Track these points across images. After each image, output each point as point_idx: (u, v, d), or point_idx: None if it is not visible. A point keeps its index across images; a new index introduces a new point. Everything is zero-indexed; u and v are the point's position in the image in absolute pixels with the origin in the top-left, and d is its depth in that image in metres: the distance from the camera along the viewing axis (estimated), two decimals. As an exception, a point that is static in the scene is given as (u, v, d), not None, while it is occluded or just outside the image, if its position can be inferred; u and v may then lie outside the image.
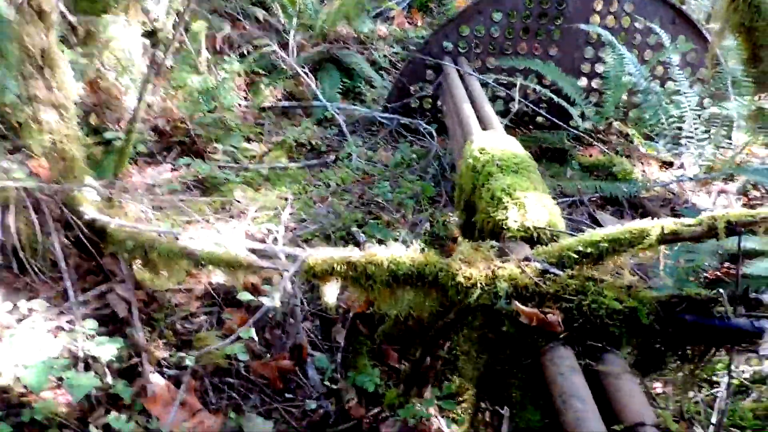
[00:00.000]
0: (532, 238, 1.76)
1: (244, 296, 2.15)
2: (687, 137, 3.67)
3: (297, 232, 2.82)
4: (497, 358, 1.49)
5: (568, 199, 3.41)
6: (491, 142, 2.34)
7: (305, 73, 4.37)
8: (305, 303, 2.43)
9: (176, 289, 2.36)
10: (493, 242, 1.63)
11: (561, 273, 1.45)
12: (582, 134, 4.01)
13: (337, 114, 4.11)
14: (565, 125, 3.99)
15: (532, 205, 1.84)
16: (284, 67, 4.41)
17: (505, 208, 1.86)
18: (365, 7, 5.04)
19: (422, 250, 1.68)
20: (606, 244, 1.45)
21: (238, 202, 3.03)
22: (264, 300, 2.17)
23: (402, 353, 2.34)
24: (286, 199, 3.09)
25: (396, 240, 2.71)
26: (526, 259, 1.51)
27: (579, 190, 3.41)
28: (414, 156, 3.71)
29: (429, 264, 1.61)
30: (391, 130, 4.08)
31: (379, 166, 3.60)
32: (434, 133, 3.80)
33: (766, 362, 2.15)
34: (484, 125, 2.81)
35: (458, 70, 3.80)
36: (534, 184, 2.02)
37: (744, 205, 3.55)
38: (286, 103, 4.30)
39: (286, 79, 4.43)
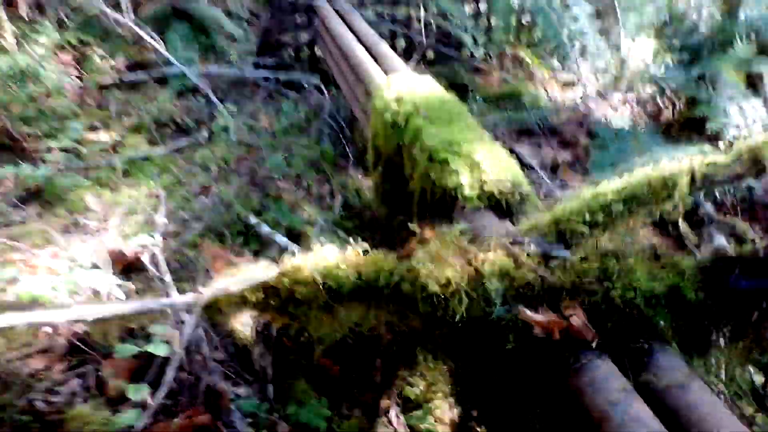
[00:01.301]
0: (499, 206, 1.36)
1: (124, 350, 1.57)
2: (585, 52, 3.46)
3: (182, 237, 2.22)
4: (501, 388, 1.10)
5: (481, 138, 3.08)
6: (406, 86, 1.88)
7: (149, 35, 3.57)
8: (210, 330, 1.89)
9: (25, 354, 1.71)
10: (464, 225, 1.20)
11: (568, 254, 1.06)
12: (478, 65, 3.67)
13: (200, 80, 3.41)
14: (459, 57, 3.62)
15: (488, 163, 1.43)
16: (120, 31, 3.58)
17: (455, 170, 1.44)
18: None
19: (365, 251, 1.23)
20: (619, 206, 1.08)
21: (93, 211, 2.34)
22: (152, 349, 1.61)
23: (346, 363, 1.91)
24: (157, 197, 2.45)
25: (309, 224, 2.22)
26: (515, 241, 1.10)
27: (494, 125, 3.08)
28: (302, 116, 3.16)
29: (383, 271, 1.16)
30: (269, 91, 3.47)
31: (265, 134, 3.02)
32: (321, 86, 3.26)
33: None
34: (384, 67, 2.34)
35: (335, 8, 3.25)
36: (477, 133, 1.61)
37: (650, 114, 3.44)
38: (132, 76, 3.51)
39: (127, 46, 3.61)
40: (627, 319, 0.99)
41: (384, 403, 1.79)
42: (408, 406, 1.76)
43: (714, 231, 2.30)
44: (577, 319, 0.98)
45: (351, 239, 1.26)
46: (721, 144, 2.90)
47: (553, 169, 2.97)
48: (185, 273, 2.05)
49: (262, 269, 1.23)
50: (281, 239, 2.09)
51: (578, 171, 2.98)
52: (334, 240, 2.15)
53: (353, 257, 1.20)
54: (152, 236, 2.06)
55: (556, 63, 3.73)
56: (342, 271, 1.18)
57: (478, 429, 1.36)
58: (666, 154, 2.52)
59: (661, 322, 1.00)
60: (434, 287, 1.06)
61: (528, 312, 0.98)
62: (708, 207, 2.48)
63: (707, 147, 2.63)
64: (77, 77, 3.27)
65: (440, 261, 1.10)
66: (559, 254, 1.06)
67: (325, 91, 3.23)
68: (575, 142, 3.16)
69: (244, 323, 1.91)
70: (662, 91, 3.19)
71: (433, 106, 1.74)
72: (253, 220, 2.26)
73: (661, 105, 3.34)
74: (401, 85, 1.89)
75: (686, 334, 1.02)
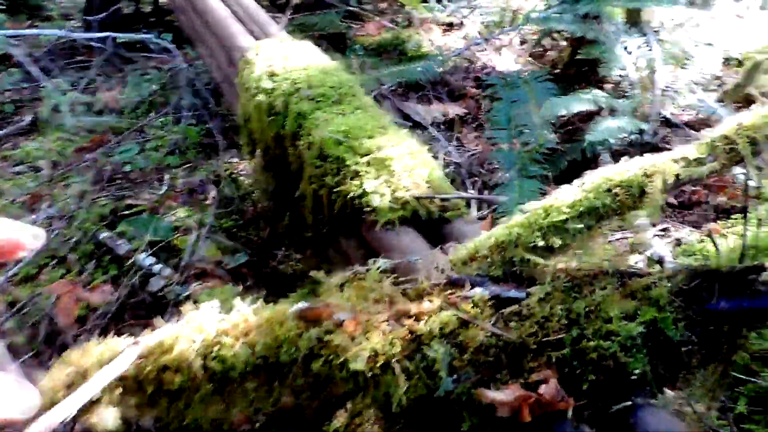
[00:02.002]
0: (418, 219, 1.09)
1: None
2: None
3: (5, 269, 1.72)
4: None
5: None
6: (280, 56, 1.51)
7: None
8: None
9: None
10: (383, 261, 0.91)
11: (524, 295, 0.82)
12: (354, 8, 3.30)
13: (12, 46, 2.72)
14: (332, 1, 3.22)
15: (397, 160, 1.14)
16: None
17: (356, 173, 1.13)
18: None
19: (263, 299, 0.91)
20: (578, 223, 0.85)
21: None
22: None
23: None
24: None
25: (179, 230, 1.82)
26: (454, 282, 0.84)
27: (378, 83, 2.77)
28: (155, 87, 2.64)
29: (285, 343, 0.85)
30: (107, 56, 2.86)
31: (110, 116, 2.48)
32: (172, 48, 2.73)
33: None
34: (250, 27, 1.92)
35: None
36: (375, 117, 1.31)
37: (535, 55, 3.31)
38: None
39: None
40: (603, 373, 0.79)
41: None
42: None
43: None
44: (549, 387, 0.75)
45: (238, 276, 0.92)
46: (609, 86, 2.84)
47: (447, 125, 2.75)
48: (18, 321, 1.59)
49: (115, 348, 0.88)
50: (146, 259, 1.68)
51: (473, 126, 2.79)
52: (212, 248, 1.78)
53: (241, 322, 0.88)
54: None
55: (435, 4, 3.46)
56: (227, 347, 0.85)
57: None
58: (564, 105, 2.38)
59: (640, 369, 0.80)
60: (357, 364, 0.78)
61: (487, 392, 0.74)
62: (607, 159, 2.40)
63: (600, 92, 2.53)
64: None
65: (357, 321, 0.81)
66: (511, 295, 0.81)
67: (177, 53, 2.70)
68: (465, 93, 2.95)
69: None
70: (548, 32, 3.05)
71: (318, 81, 1.39)
72: (105, 235, 1.81)
73: (547, 47, 3.21)
74: (274, 55, 1.52)
75: (667, 376, 0.84)
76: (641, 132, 2.50)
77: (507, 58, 3.27)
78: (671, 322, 0.82)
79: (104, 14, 2.91)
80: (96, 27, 2.89)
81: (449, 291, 0.83)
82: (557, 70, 3.10)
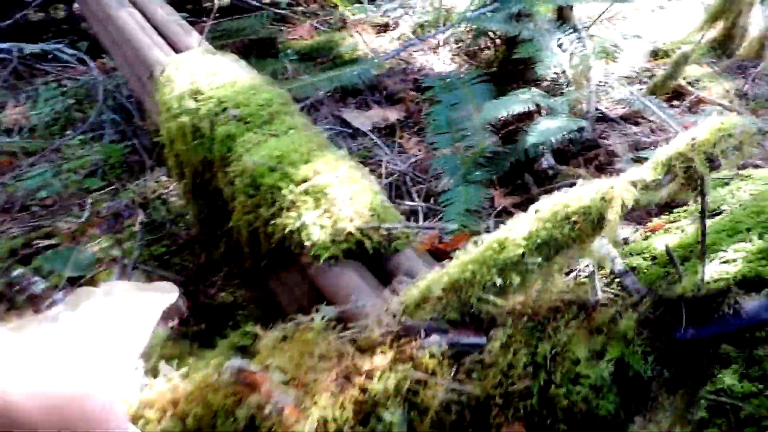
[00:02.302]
0: (364, 254, 1.00)
1: None
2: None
3: None
4: None
5: (304, 103, 2.65)
6: (204, 72, 1.39)
7: None
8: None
9: None
10: (328, 308, 0.82)
11: (485, 342, 0.75)
12: (284, 11, 3.17)
13: None
14: (260, 5, 3.09)
15: (337, 187, 1.05)
16: None
17: (293, 204, 1.04)
18: None
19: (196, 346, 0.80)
20: (536, 258, 0.78)
21: None
22: None
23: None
24: None
25: (102, 261, 1.67)
26: (407, 330, 0.77)
27: (314, 89, 2.66)
28: (70, 102, 2.43)
29: (219, 415, 0.74)
30: (14, 68, 2.61)
31: (20, 135, 2.26)
32: (88, 60, 2.52)
33: None
34: (168, 40, 1.77)
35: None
36: (310, 138, 1.21)
37: (470, 54, 3.29)
38: None
39: None
40: (574, 420, 0.74)
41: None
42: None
43: (563, 187, 2.22)
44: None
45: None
46: (545, 84, 2.84)
47: (388, 130, 2.68)
48: None
49: None
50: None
51: (414, 130, 2.73)
52: (141, 281, 1.63)
53: (168, 391, 0.77)
54: None
55: (368, 5, 3.37)
56: (153, 422, 0.74)
57: None
58: (503, 107, 2.36)
59: (612, 409, 0.76)
60: (304, 436, 0.69)
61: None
62: (549, 159, 2.40)
63: (537, 91, 2.52)
64: None
65: (306, 384, 0.73)
66: (474, 343, 0.75)
67: (94, 64, 2.49)
68: (404, 97, 2.89)
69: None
70: (482, 32, 3.03)
71: (245, 99, 1.29)
72: (19, 271, 1.63)
73: (482, 46, 3.19)
74: (197, 71, 1.39)
75: (638, 408, 0.80)
76: (581, 129, 2.52)
77: (444, 59, 3.23)
78: (640, 356, 0.78)
79: (9, 21, 2.65)
80: (-1, 37, 2.64)
81: (403, 341, 0.76)
82: (493, 69, 3.09)
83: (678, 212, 2.18)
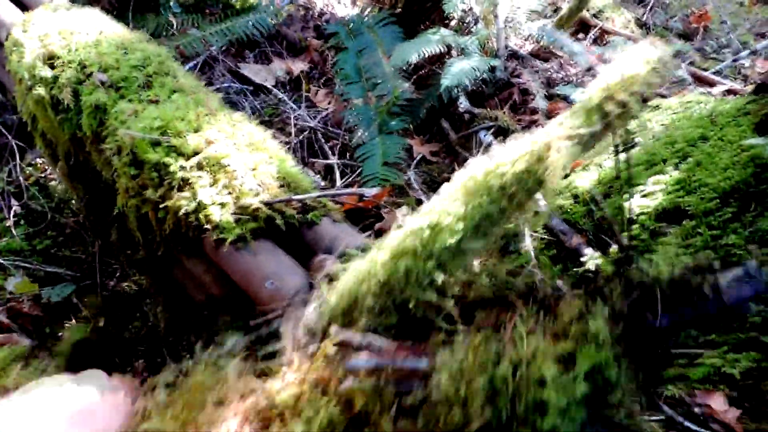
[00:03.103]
0: (274, 227, 0.87)
1: None
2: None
3: None
4: None
5: (195, 61, 2.39)
6: (58, 31, 1.15)
7: None
8: None
9: None
10: (232, 340, 0.68)
11: (426, 365, 0.64)
12: (162, -41, 2.81)
13: None
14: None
15: (236, 156, 0.90)
16: None
17: (186, 182, 0.88)
18: None
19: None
20: (476, 242, 0.67)
21: None
22: None
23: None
24: None
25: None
26: (333, 355, 0.64)
27: (205, 44, 2.40)
28: None
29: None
30: None
31: None
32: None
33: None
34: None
35: None
36: (199, 100, 1.03)
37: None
38: None
39: None
40: None
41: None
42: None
43: (481, 131, 2.15)
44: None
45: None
46: (453, 24, 2.73)
47: (293, 84, 2.48)
48: None
49: None
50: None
51: (321, 81, 2.55)
52: (24, 281, 1.42)
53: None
54: None
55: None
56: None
57: None
58: (414, 50, 2.23)
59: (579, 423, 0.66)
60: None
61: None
62: (465, 102, 2.31)
63: (446, 31, 2.41)
64: None
65: None
66: (415, 368, 0.63)
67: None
68: (307, 46, 2.68)
69: None
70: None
71: (115, 61, 1.07)
72: None
73: (384, -15, 3.01)
74: (50, 30, 1.15)
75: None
76: (493, 69, 2.44)
77: (345, 2, 3.03)
78: (613, 360, 0.68)
79: None
80: None
81: (326, 370, 0.62)
82: (398, 10, 2.93)
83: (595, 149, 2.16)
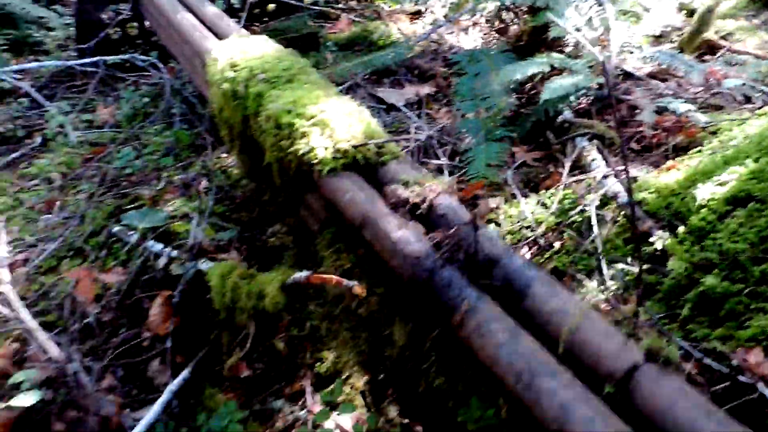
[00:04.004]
0: (356, 164, 1.29)
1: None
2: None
3: (33, 262, 1.96)
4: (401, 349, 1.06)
5: (342, 87, 2.97)
6: (239, 50, 1.72)
7: (-60, 39, 3.05)
8: (90, 358, 1.71)
9: None
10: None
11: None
12: (324, 8, 3.51)
13: (17, 80, 2.99)
14: (302, 5, 3.44)
15: (337, 119, 1.34)
16: None
17: (304, 134, 1.34)
18: None
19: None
20: None
21: None
22: (18, 402, 1.43)
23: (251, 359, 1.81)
24: (-6, 225, 2.14)
25: (175, 218, 2.05)
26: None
27: (351, 73, 2.98)
28: (146, 100, 2.88)
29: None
30: (101, 78, 3.11)
31: (108, 129, 2.72)
32: (158, 64, 2.97)
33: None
34: (217, 33, 2.14)
35: (153, -26, 2.92)
36: (321, 89, 1.51)
37: (500, 30, 3.49)
38: (-69, 91, 3.00)
39: None
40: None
41: (296, 386, 1.73)
42: (321, 383, 1.70)
43: (577, 137, 2.39)
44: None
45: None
46: (568, 50, 3.00)
47: (419, 104, 2.94)
48: (46, 304, 1.82)
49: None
50: (153, 245, 1.91)
51: (443, 102, 2.98)
52: (208, 229, 2.00)
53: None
54: (-7, 273, 1.80)
55: (400, -6, 3.66)
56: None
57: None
58: (518, 70, 2.56)
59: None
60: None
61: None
62: (567, 113, 2.57)
63: (555, 55, 2.70)
64: None
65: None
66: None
67: (163, 68, 2.94)
68: (434, 74, 3.14)
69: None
70: (505, 7, 3.23)
71: (271, 66, 1.61)
72: (116, 229, 2.04)
73: (507, 21, 3.39)
74: (233, 51, 1.73)
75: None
76: (600, 87, 2.67)
77: (473, 38, 3.45)
78: None
79: (94, 41, 3.16)
80: (88, 54, 3.15)
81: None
82: (521, 43, 3.27)
83: (691, 153, 2.31)
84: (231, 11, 3.35)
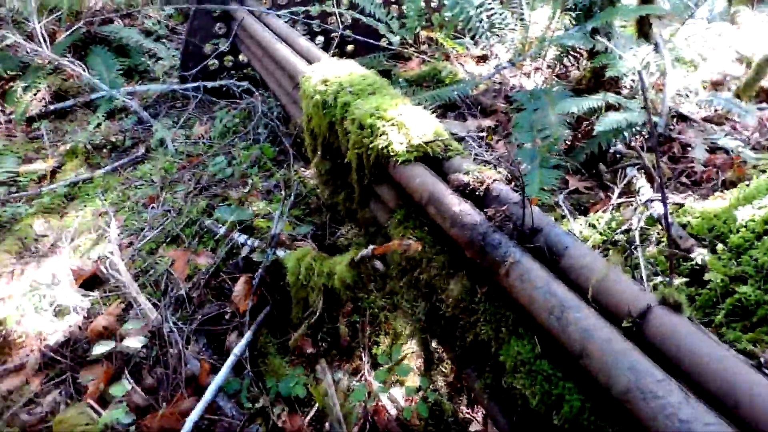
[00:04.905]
0: (427, 157, 1.53)
1: (100, 348, 1.65)
2: (494, 26, 3.70)
3: (136, 246, 2.29)
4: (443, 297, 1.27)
5: (410, 116, 3.25)
6: (330, 70, 2.03)
7: (71, 62, 3.58)
8: (181, 324, 1.98)
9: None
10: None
11: None
12: (397, 50, 3.86)
13: (129, 100, 3.45)
14: (378, 45, 3.80)
15: (412, 120, 1.60)
16: (40, 62, 3.56)
17: (383, 132, 1.60)
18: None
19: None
20: None
21: (43, 236, 2.37)
22: (128, 344, 1.70)
23: (315, 336, 2.03)
24: (106, 213, 2.50)
25: (258, 217, 2.33)
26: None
27: (418, 104, 3.26)
28: (237, 120, 3.26)
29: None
30: (199, 100, 3.54)
31: (203, 142, 3.10)
32: (251, 89, 3.37)
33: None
34: (307, 58, 2.48)
35: (252, 12, 3.36)
36: (399, 99, 1.78)
37: (560, 75, 3.72)
38: (59, 105, 3.50)
39: (48, 76, 3.59)
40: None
41: (355, 364, 1.93)
42: (377, 365, 1.89)
43: (628, 167, 2.56)
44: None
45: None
46: (625, 92, 3.19)
47: (480, 137, 3.18)
48: (147, 278, 2.13)
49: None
50: (240, 237, 2.20)
51: (502, 134, 3.21)
52: (286, 225, 2.27)
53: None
54: (108, 249, 2.12)
55: (468, 40, 3.97)
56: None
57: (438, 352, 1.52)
58: (574, 104, 2.76)
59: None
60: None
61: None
62: (620, 146, 2.74)
63: (611, 94, 2.89)
64: (0, 112, 3.24)
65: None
66: None
67: (256, 93, 3.33)
68: (495, 110, 3.38)
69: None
70: (566, 52, 3.47)
71: (357, 82, 1.89)
72: (208, 222, 2.35)
73: (567, 64, 3.62)
74: (326, 70, 2.04)
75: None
76: (655, 125, 2.83)
77: (535, 81, 3.69)
78: None
79: (195, 70, 3.61)
80: (189, 80, 3.60)
81: None
82: (581, 87, 3.48)
83: (739, 187, 2.43)
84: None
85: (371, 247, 1.38)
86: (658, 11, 3.03)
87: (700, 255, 1.92)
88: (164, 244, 2.29)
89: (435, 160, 1.53)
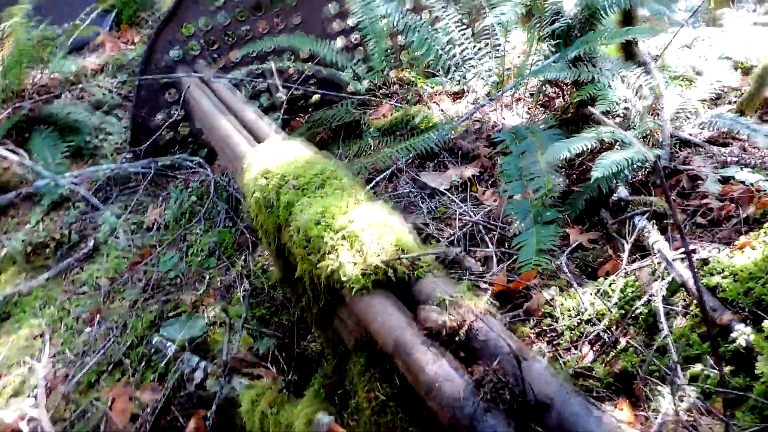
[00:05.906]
0: (389, 281, 1.19)
1: None
2: (465, 60, 3.40)
3: (72, 377, 1.93)
4: None
5: (386, 173, 2.93)
6: (272, 157, 1.70)
7: (10, 150, 3.26)
8: None
9: None
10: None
11: None
12: (364, 97, 3.56)
13: (76, 186, 3.12)
14: (343, 94, 3.50)
15: (368, 230, 1.26)
16: (-27, 154, 3.24)
17: (332, 249, 1.26)
18: (50, 44, 3.95)
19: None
20: None
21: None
22: None
23: None
24: (41, 336, 2.15)
25: (215, 325, 1.99)
26: None
27: (393, 159, 2.94)
28: (193, 198, 2.93)
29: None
30: (153, 179, 3.21)
31: (156, 230, 2.77)
32: (204, 164, 3.05)
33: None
34: (255, 135, 2.16)
35: (201, 78, 3.06)
36: (352, 194, 1.44)
37: (544, 104, 3.42)
38: (-2, 200, 3.18)
39: (-15, 170, 3.27)
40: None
41: None
42: None
43: (635, 216, 2.22)
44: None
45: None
46: (617, 121, 2.87)
47: (464, 186, 2.86)
48: (82, 426, 1.77)
49: None
50: (190, 360, 1.85)
51: (489, 183, 2.88)
52: (245, 337, 1.93)
53: None
54: (32, 397, 1.77)
55: (441, 78, 3.67)
56: None
57: None
58: (565, 148, 2.44)
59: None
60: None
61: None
62: (622, 191, 2.41)
63: (604, 129, 2.57)
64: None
65: None
66: None
67: (208, 168, 3.01)
68: (478, 154, 3.07)
69: None
70: (547, 81, 3.16)
71: (302, 172, 1.56)
72: (156, 339, 2.00)
73: (550, 94, 3.31)
74: (267, 158, 1.71)
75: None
76: (657, 158, 2.51)
77: (517, 113, 3.38)
78: None
79: (147, 143, 3.29)
80: (141, 155, 3.28)
81: None
82: (567, 116, 3.17)
83: (766, 228, 2.09)
84: (274, 107, 3.44)
85: (327, 420, 1.03)
86: (641, 34, 2.72)
87: (742, 334, 1.57)
88: (106, 374, 1.94)
89: (400, 284, 1.19)
